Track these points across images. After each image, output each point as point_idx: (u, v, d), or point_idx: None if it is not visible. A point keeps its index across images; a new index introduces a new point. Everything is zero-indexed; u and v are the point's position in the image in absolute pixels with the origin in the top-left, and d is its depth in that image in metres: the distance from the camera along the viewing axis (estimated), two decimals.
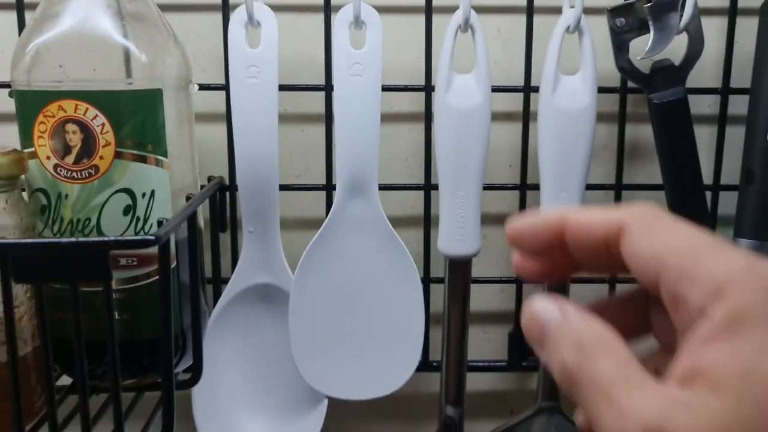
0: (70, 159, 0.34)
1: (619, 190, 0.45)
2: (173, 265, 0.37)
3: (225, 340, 0.42)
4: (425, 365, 0.46)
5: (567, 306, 0.19)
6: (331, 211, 0.40)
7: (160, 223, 0.31)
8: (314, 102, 0.44)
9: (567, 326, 0.19)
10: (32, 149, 0.34)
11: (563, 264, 0.22)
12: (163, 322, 0.31)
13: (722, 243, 0.18)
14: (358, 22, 0.39)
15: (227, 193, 0.43)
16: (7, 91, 0.41)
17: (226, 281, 0.44)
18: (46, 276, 0.28)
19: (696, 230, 0.19)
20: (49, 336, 0.29)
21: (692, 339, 0.17)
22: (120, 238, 0.31)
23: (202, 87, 0.41)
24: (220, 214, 0.43)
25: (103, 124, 0.34)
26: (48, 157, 0.34)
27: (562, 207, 0.28)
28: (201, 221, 0.41)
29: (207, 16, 0.43)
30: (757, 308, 0.17)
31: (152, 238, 0.29)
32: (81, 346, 0.30)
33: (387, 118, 0.45)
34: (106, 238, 0.28)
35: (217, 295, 0.43)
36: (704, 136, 0.44)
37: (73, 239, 0.28)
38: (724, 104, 0.43)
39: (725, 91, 0.43)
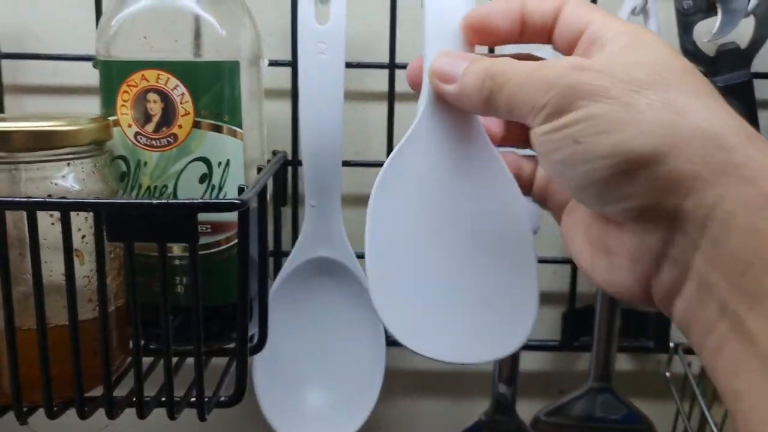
0: (150, 127, 0.35)
1: None
2: None
3: (285, 312, 0.43)
4: None
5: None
6: (416, 122, 0.29)
7: (240, 190, 0.32)
8: (376, 80, 0.45)
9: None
10: (114, 117, 0.35)
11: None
12: (240, 286, 0.32)
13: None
14: None
15: (289, 168, 0.44)
16: (79, 64, 0.43)
17: (286, 255, 0.45)
18: (137, 235, 0.30)
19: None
20: (134, 296, 0.31)
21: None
22: (208, 200, 0.32)
23: (271, 63, 0.42)
24: (283, 188, 0.44)
25: (183, 94, 0.35)
26: (129, 125, 0.35)
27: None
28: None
29: None
30: (653, 37, 0.24)
31: (238, 201, 0.30)
32: (166, 303, 0.31)
33: None
34: (194, 200, 0.29)
35: (277, 268, 0.44)
36: None
37: (163, 200, 0.29)
38: None
39: None
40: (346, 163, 0.44)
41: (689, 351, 0.46)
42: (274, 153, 0.43)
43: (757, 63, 0.41)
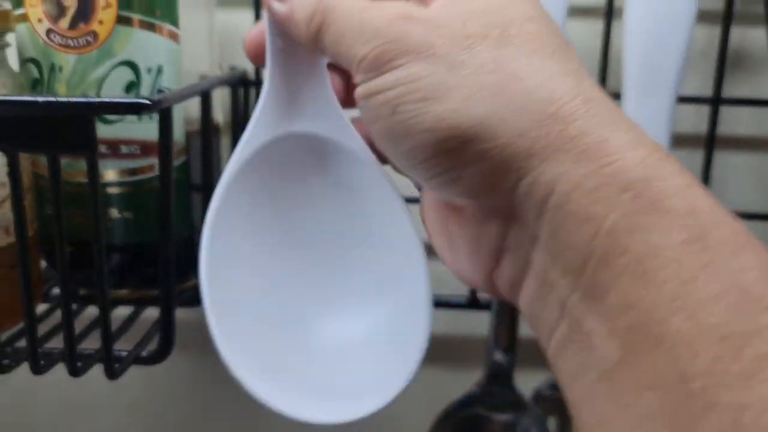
0: (64, 23, 0.29)
1: (717, 104, 0.37)
2: (183, 159, 0.31)
3: (252, 229, 0.23)
4: (472, 303, 0.40)
5: None
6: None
7: (160, 92, 0.25)
8: None
9: None
10: (23, 10, 0.29)
11: None
12: (162, 213, 0.26)
13: None
14: None
15: (253, 91, 0.38)
16: None
17: None
18: (21, 142, 0.23)
19: None
20: (34, 228, 0.25)
21: None
22: (107, 99, 0.25)
23: None
24: (243, 113, 0.37)
25: None
26: (40, 20, 0.29)
27: None
28: (219, 116, 0.35)
29: None
30: None
31: (147, 102, 0.23)
32: (62, 236, 0.24)
33: None
34: (91, 99, 0.23)
35: None
36: None
37: (52, 98, 0.22)
38: None
39: None
40: None
41: None
42: (232, 70, 0.37)
43: None
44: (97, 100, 0.23)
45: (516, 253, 0.19)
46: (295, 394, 0.22)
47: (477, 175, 0.18)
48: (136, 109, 0.23)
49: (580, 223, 0.17)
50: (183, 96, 0.26)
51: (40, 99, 0.23)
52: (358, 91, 0.20)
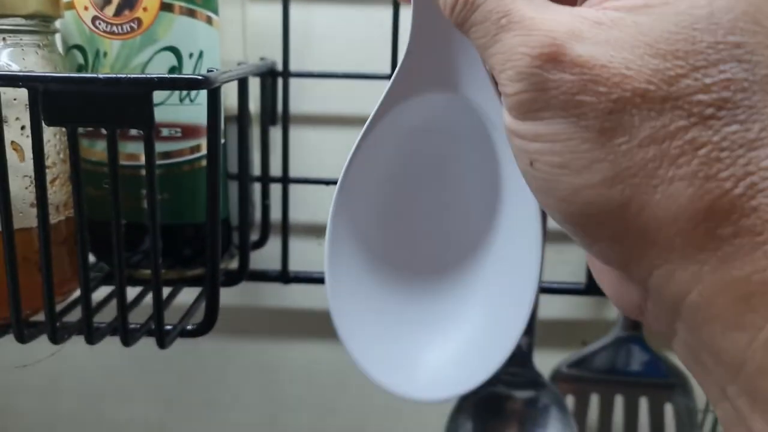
0: (110, 10, 0.30)
1: None
2: (222, 142, 0.33)
3: (377, 209, 0.24)
4: None
5: None
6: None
7: (209, 72, 0.26)
8: None
9: None
10: None
11: None
12: (210, 191, 0.27)
13: None
14: None
15: (280, 81, 0.39)
16: None
17: (275, 180, 0.39)
18: (81, 118, 0.24)
19: None
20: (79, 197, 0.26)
21: None
22: (165, 75, 0.26)
23: None
24: (271, 104, 0.39)
25: None
26: (86, 8, 0.30)
27: None
28: (251, 106, 0.36)
29: None
30: None
31: (202, 77, 0.24)
32: (117, 207, 0.26)
33: None
34: (149, 75, 0.24)
35: (265, 196, 0.39)
36: None
37: (112, 75, 0.24)
38: None
39: None
40: None
41: None
42: (262, 60, 0.38)
43: None
44: (156, 76, 0.24)
45: (658, 322, 0.17)
46: (401, 372, 0.23)
47: (607, 252, 0.16)
48: (191, 84, 0.24)
49: (728, 329, 0.15)
50: (230, 77, 0.27)
51: (101, 76, 0.24)
52: (504, 117, 0.17)
